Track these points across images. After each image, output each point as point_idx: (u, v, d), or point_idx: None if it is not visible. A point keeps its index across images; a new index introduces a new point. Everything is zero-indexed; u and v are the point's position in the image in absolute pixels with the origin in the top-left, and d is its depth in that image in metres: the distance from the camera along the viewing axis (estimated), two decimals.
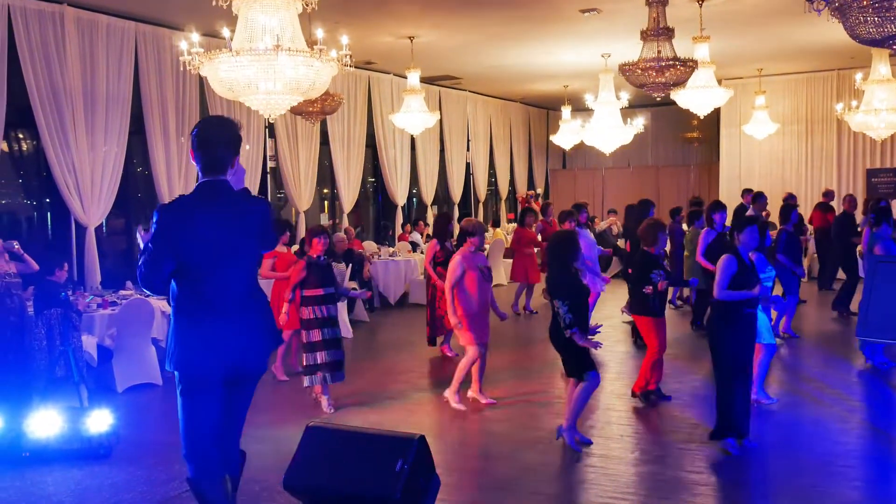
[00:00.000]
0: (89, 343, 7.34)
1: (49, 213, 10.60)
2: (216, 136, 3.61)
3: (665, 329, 6.84)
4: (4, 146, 9.52)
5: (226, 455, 3.81)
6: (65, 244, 9.92)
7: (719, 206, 9.17)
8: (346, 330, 10.24)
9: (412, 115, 12.35)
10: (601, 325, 5.84)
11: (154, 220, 3.54)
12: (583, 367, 5.67)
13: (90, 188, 9.63)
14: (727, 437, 5.55)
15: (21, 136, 10.23)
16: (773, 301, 6.49)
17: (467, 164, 18.88)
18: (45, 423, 5.54)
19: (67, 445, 5.53)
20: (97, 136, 9.72)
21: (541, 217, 12.82)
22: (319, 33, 7.17)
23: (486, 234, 7.26)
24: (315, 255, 6.89)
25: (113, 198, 10.02)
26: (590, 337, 5.65)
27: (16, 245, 7.06)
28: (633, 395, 6.96)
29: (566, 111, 17.06)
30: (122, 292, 8.82)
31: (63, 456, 5.49)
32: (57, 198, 9.72)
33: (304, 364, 6.83)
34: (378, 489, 4.33)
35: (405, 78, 12.45)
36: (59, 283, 6.97)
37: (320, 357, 6.75)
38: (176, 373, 3.63)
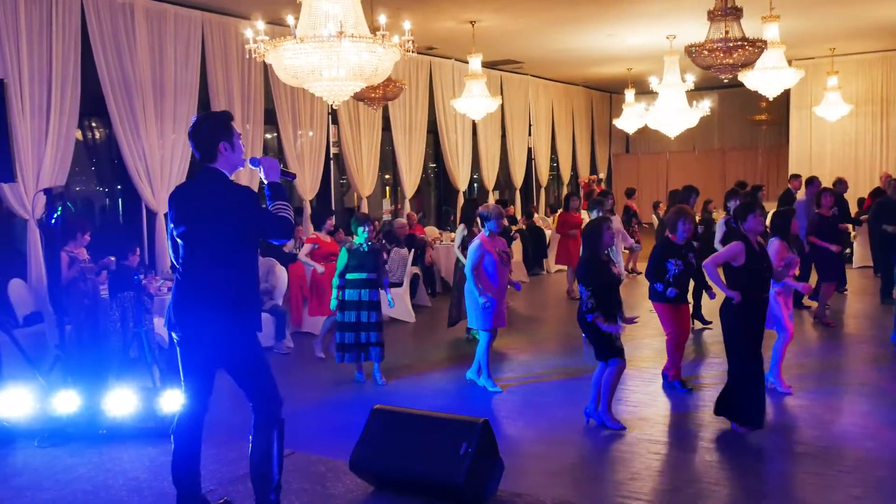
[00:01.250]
0: (161, 325, 7.54)
1: (121, 200, 10.91)
2: (190, 131, 4.06)
3: (687, 316, 6.90)
4: (79, 135, 9.81)
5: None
6: (136, 229, 10.20)
7: (734, 195, 9.26)
8: (409, 314, 10.32)
9: (474, 101, 12.32)
10: (637, 317, 6.10)
11: None
12: (606, 353, 5.80)
13: (160, 175, 9.87)
14: (733, 421, 5.63)
15: (94, 124, 10.54)
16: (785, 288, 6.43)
17: (529, 150, 18.76)
18: (120, 401, 5.72)
19: (142, 424, 5.70)
20: (166, 124, 9.95)
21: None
22: (382, 19, 7.19)
23: (504, 218, 7.32)
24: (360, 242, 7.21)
25: None
26: (622, 325, 5.77)
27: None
28: (668, 382, 6.87)
29: (630, 94, 16.80)
30: None
31: (138, 434, 5.66)
32: (128, 184, 10.00)
33: (337, 342, 7.17)
34: (442, 472, 4.38)
35: (467, 63, 12.41)
36: (131, 267, 7.19)
37: (354, 337, 7.09)
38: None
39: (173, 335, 4.09)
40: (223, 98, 10.72)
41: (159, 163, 9.88)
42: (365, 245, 7.20)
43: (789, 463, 5.17)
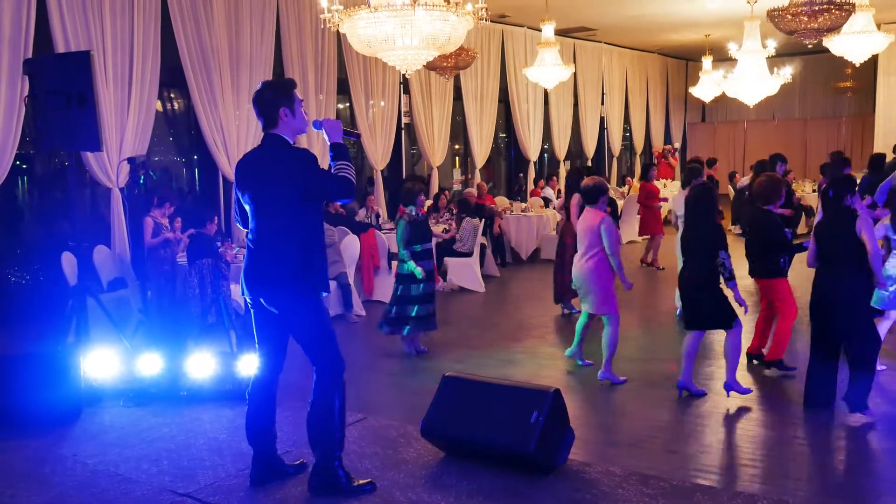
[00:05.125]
0: (237, 292, 7.73)
1: (198, 169, 11.18)
2: (254, 97, 4.14)
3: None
4: (159, 105, 10.06)
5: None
6: (214, 198, 10.45)
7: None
8: (479, 284, 10.34)
9: (546, 69, 12.18)
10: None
11: None
12: (731, 317, 5.70)
13: (236, 144, 10.06)
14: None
15: (173, 95, 10.79)
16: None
17: (601, 119, 18.48)
18: (199, 365, 5.90)
19: (220, 386, 5.88)
20: (242, 94, 10.11)
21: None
22: None
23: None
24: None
25: None
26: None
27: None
28: (766, 364, 6.40)
29: (707, 62, 16.37)
30: None
31: (216, 396, 5.85)
32: (205, 154, 10.23)
33: (422, 315, 7.07)
34: (513, 440, 4.40)
35: (539, 31, 12.25)
36: (209, 235, 7.37)
37: (411, 310, 7.03)
38: None
39: (247, 299, 4.21)
40: (297, 68, 10.84)
41: (235, 133, 10.07)
42: (421, 215, 7.20)
43: (866, 440, 5.02)
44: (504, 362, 6.94)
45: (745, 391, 5.76)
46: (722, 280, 5.71)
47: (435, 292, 7.28)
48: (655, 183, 12.72)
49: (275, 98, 4.07)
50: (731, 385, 5.74)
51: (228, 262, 7.81)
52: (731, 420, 5.45)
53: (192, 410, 5.69)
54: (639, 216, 12.84)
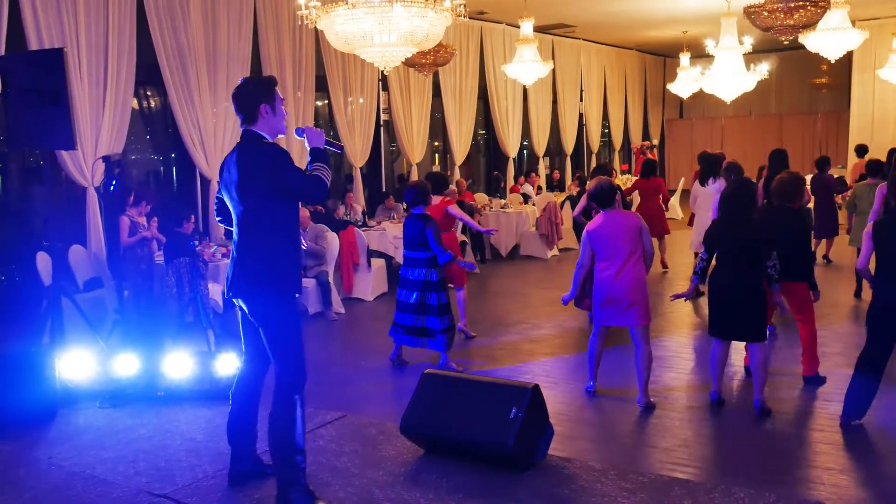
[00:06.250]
0: (215, 291, 7.69)
1: (175, 168, 11.10)
2: (234, 92, 4.07)
3: None
4: (135, 103, 9.96)
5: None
6: (191, 197, 10.37)
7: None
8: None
9: (525, 66, 12.18)
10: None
11: None
12: (765, 326, 5.35)
13: (213, 143, 9.99)
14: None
15: (149, 93, 10.70)
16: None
17: (580, 115, 18.53)
18: (177, 365, 5.86)
19: (198, 386, 5.84)
20: (219, 92, 10.04)
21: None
22: None
23: None
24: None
25: None
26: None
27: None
28: (807, 380, 5.94)
29: (685, 58, 16.46)
30: None
31: (194, 396, 5.81)
32: (182, 152, 10.15)
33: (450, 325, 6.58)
34: (492, 436, 4.41)
35: (518, 27, 12.26)
36: (186, 233, 7.32)
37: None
38: None
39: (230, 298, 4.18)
40: (275, 66, 10.78)
41: (212, 131, 10.00)
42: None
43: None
44: (483, 358, 6.95)
45: (768, 410, 5.39)
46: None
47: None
48: (633, 178, 12.62)
49: (255, 93, 4.00)
50: (763, 404, 5.38)
51: (206, 260, 7.77)
52: (709, 415, 5.48)
53: (169, 411, 5.64)
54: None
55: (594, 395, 5.86)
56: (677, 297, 5.80)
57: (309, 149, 4.07)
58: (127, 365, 5.86)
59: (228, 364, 5.83)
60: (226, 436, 4.33)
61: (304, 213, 8.79)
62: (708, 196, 9.02)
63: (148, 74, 9.65)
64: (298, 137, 4.17)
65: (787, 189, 5.93)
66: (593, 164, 19.24)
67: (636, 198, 11.42)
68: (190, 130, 9.75)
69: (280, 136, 4.13)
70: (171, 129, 10.18)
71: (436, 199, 7.18)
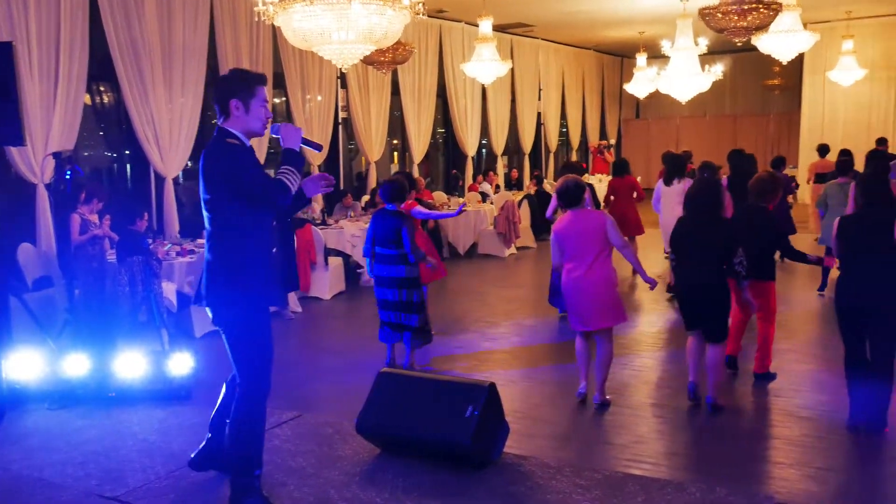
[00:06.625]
0: (169, 290, 7.58)
1: (129, 165, 10.91)
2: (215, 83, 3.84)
3: None
4: (87, 99, 9.77)
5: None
6: (145, 194, 10.20)
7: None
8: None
9: (484, 65, 12.20)
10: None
11: None
12: (726, 330, 5.44)
13: (168, 139, 9.84)
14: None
15: (102, 88, 10.49)
16: None
17: (538, 114, 18.63)
18: (129, 365, 5.76)
19: (150, 386, 5.75)
20: (175, 88, 9.89)
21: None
22: None
23: None
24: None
25: (190, 148, 10.22)
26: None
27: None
28: (758, 377, 6.05)
29: (641, 58, 16.61)
30: (200, 241, 9.04)
31: (146, 396, 5.72)
32: (136, 149, 9.97)
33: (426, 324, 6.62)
34: (448, 434, 4.41)
35: (476, 26, 12.27)
36: (140, 232, 7.20)
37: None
38: None
39: None
40: (231, 62, 10.64)
41: (167, 127, 9.84)
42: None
43: (794, 427, 5.17)
44: (441, 357, 6.95)
45: (720, 407, 5.46)
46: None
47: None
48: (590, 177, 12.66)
49: (230, 87, 3.75)
50: (716, 400, 5.45)
51: (160, 259, 7.65)
52: (664, 412, 5.55)
53: (120, 412, 5.54)
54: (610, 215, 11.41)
55: (542, 394, 5.87)
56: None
57: (283, 149, 3.85)
58: (77, 365, 5.74)
59: (182, 363, 5.75)
60: (185, 432, 4.25)
61: None
62: (673, 196, 9.11)
63: (101, 69, 9.47)
64: (274, 136, 3.92)
65: (764, 188, 6.00)
66: (551, 163, 19.37)
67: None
68: (144, 126, 9.59)
69: (254, 137, 3.86)
70: (125, 126, 10.00)
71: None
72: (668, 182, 9.40)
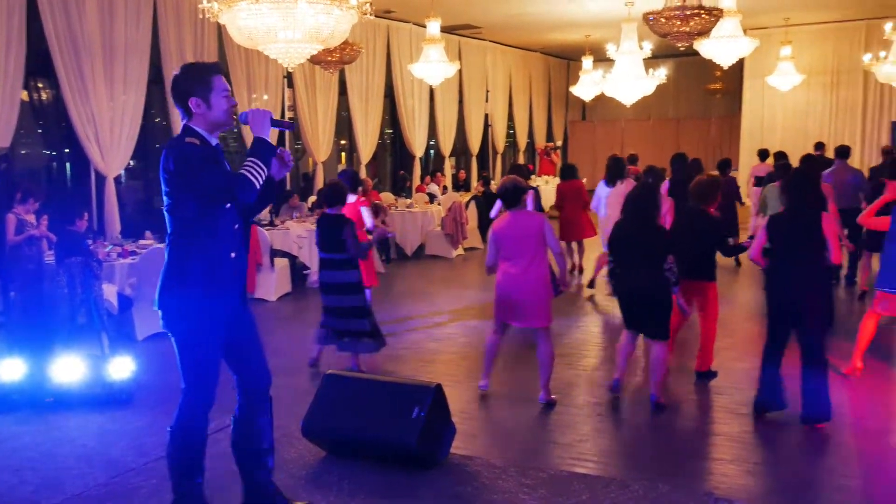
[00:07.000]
0: (110, 292, 7.42)
1: (69, 163, 10.64)
2: (170, 85, 3.66)
3: None
4: (24, 95, 9.51)
5: None
6: (85, 194, 9.97)
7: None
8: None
9: (431, 66, 12.20)
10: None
11: None
12: (668, 329, 5.55)
13: (109, 138, 9.64)
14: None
15: (41, 85, 10.22)
16: None
17: (486, 116, 18.71)
18: (67, 369, 5.62)
19: (89, 391, 5.62)
20: (116, 85, 9.69)
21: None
22: None
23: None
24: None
25: (132, 147, 10.03)
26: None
27: None
28: (701, 376, 6.17)
29: (587, 61, 16.80)
30: (142, 242, 8.88)
31: (85, 401, 5.58)
32: (76, 147, 9.74)
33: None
34: (395, 436, 4.40)
35: (424, 27, 12.27)
36: (79, 232, 7.04)
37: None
38: None
39: None
40: (175, 59, 10.48)
41: (108, 125, 9.64)
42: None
43: (734, 424, 5.28)
44: (388, 359, 6.93)
45: (663, 406, 5.57)
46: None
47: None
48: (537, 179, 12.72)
49: (185, 86, 3.53)
50: (658, 398, 5.57)
51: (100, 260, 7.48)
52: (608, 410, 5.62)
53: (58, 417, 5.41)
54: (560, 219, 10.77)
55: (488, 394, 5.90)
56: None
57: (253, 138, 3.62)
58: (12, 369, 5.58)
59: (123, 367, 5.63)
60: (125, 437, 4.15)
61: None
62: (614, 197, 9.20)
63: (39, 64, 9.22)
64: (244, 124, 3.73)
65: (705, 191, 6.11)
66: (499, 164, 19.46)
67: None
68: (84, 124, 9.38)
69: (223, 129, 3.67)
70: (65, 123, 9.76)
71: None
72: (610, 183, 9.51)
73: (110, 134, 9.66)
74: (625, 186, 9.11)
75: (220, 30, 9.67)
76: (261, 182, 3.50)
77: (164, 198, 3.58)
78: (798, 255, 5.13)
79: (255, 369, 3.90)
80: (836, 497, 4.27)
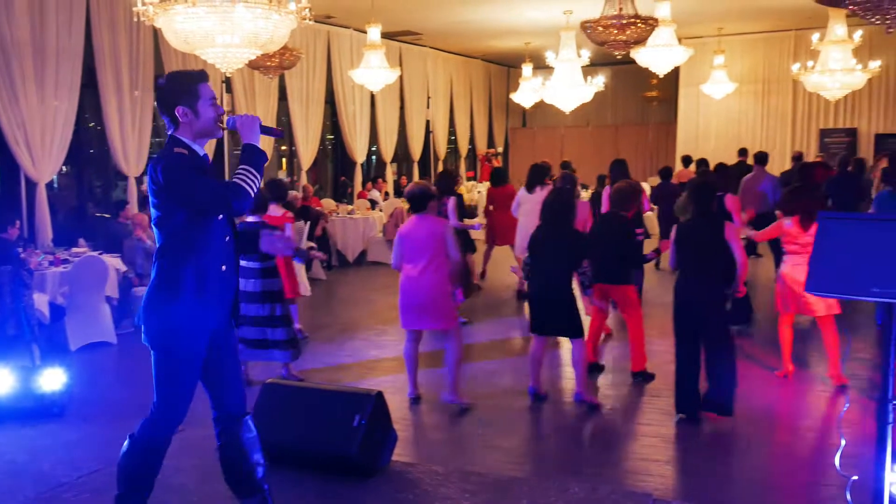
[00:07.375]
0: (41, 301, 7.21)
1: None
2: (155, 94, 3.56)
3: None
4: None
5: None
6: (15, 201, 9.67)
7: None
8: (305, 288, 10.18)
9: (372, 72, 12.19)
10: None
11: None
12: (581, 327, 5.68)
13: (40, 143, 9.38)
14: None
15: None
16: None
17: (427, 122, 18.75)
18: None
19: (19, 404, 5.45)
20: (47, 89, 9.44)
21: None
22: None
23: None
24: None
25: (64, 153, 9.78)
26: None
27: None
28: (636, 376, 6.34)
29: (527, 69, 16.97)
30: (75, 250, 8.67)
31: (15, 414, 5.42)
32: (6, 153, 9.45)
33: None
34: (335, 445, 4.38)
35: (365, 33, 12.26)
36: (10, 240, 6.84)
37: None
38: None
39: None
40: (110, 63, 10.26)
41: (39, 130, 9.37)
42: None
43: (670, 426, 5.39)
44: (328, 366, 6.89)
45: (596, 403, 5.74)
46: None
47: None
48: (477, 185, 12.74)
49: (171, 95, 3.44)
50: (583, 395, 5.73)
51: (31, 269, 7.27)
52: (549, 413, 5.69)
53: None
54: (488, 224, 10.90)
55: (417, 402, 5.90)
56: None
57: (242, 144, 3.53)
58: None
59: (54, 379, 5.48)
60: (56, 451, 4.03)
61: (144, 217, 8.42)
62: (532, 203, 9.23)
63: None
64: (231, 131, 3.62)
65: (623, 197, 6.32)
66: (440, 170, 19.51)
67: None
68: (13, 129, 9.10)
69: (210, 138, 3.59)
70: None
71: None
72: (529, 189, 9.51)
73: (41, 139, 9.39)
74: (543, 192, 9.20)
75: (157, 34, 9.51)
76: (254, 190, 3.42)
77: (153, 210, 3.46)
78: (701, 262, 5.36)
79: (233, 393, 3.78)
80: (770, 496, 4.39)
